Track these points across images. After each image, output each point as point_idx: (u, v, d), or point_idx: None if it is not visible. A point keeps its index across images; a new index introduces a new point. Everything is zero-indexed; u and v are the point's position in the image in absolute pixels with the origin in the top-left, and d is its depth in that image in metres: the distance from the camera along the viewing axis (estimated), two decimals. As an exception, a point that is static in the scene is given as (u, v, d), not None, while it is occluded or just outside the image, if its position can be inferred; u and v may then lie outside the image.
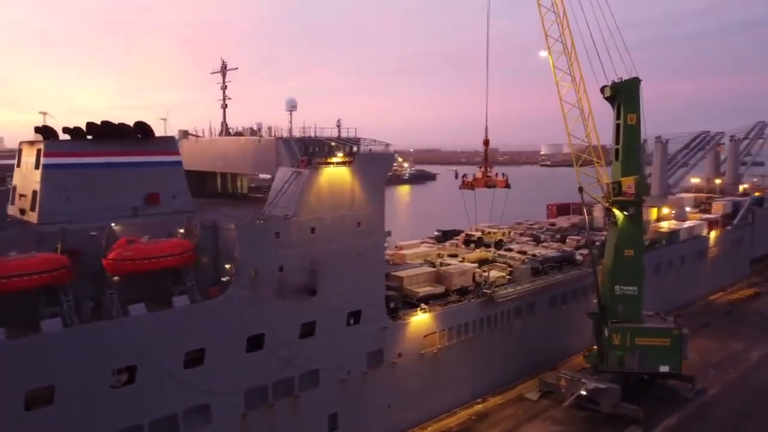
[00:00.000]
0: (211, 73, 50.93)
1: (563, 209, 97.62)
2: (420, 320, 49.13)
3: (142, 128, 41.13)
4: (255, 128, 49.46)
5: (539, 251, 66.79)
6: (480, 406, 53.73)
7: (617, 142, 55.34)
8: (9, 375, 29.70)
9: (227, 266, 38.97)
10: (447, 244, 72.65)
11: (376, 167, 46.47)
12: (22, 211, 38.98)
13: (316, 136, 46.58)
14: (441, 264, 59.27)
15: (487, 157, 58.21)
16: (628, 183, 54.72)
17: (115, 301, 33.58)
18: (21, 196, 39.72)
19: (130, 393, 33.82)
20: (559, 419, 51.43)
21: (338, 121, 47.17)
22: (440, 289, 53.27)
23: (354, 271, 44.18)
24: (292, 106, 47.29)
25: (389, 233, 49.21)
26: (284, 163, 43.97)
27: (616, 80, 54.60)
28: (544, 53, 54.09)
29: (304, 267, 41.32)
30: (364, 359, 45.69)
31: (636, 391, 53.87)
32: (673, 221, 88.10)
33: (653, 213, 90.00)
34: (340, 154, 44.32)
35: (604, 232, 66.12)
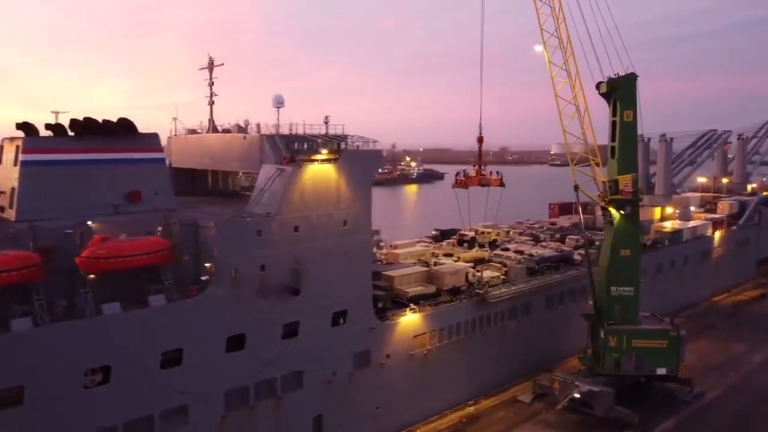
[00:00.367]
0: (200, 69, 50.41)
1: (565, 209, 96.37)
2: (409, 321, 48.24)
3: (125, 125, 40.60)
4: (242, 125, 48.80)
5: (536, 251, 65.68)
6: (472, 408, 52.76)
7: (613, 139, 54.16)
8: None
9: (207, 265, 38.32)
10: (444, 243, 71.71)
11: (363, 165, 45.61)
12: (2, 209, 38.61)
13: (305, 134, 45.88)
14: (435, 264, 58.38)
15: (481, 155, 57.22)
16: (625, 181, 53.54)
17: (89, 300, 33.01)
18: (1, 193, 39.33)
19: (104, 393, 33.22)
20: (551, 423, 50.37)
21: (326, 117, 46.53)
22: (431, 289, 52.36)
23: (339, 271, 43.36)
24: (279, 103, 46.55)
25: (377, 232, 48.44)
26: (268, 161, 43.28)
27: (612, 76, 53.43)
28: (539, 48, 53.05)
29: (287, 266, 40.54)
30: (351, 360, 44.88)
31: (632, 395, 52.70)
32: (677, 221, 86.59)
33: (656, 212, 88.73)
34: (325, 151, 43.53)
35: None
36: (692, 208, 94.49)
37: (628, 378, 53.58)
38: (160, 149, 42.48)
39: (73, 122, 39.59)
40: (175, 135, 53.02)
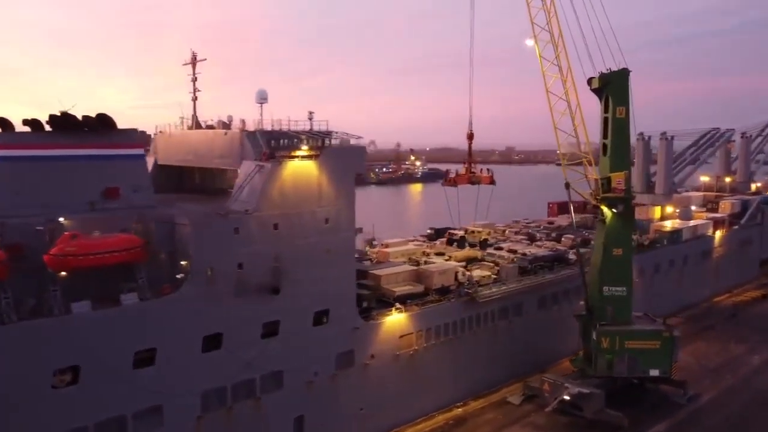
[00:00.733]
0: (183, 65, 49.60)
1: (565, 208, 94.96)
2: (395, 320, 47.41)
3: (104, 120, 39.86)
4: (226, 121, 47.97)
5: (530, 250, 64.56)
6: (460, 410, 51.85)
7: (605, 136, 53.13)
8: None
9: (183, 263, 37.58)
10: (438, 242, 70.71)
11: (346, 161, 44.78)
12: None
13: (288, 130, 45.00)
14: (425, 262, 57.43)
15: (471, 152, 56.26)
16: (618, 179, 52.53)
17: (58, 298, 32.33)
18: None
19: (73, 394, 32.57)
20: (540, 425, 49.38)
21: (310, 113, 45.56)
22: (420, 289, 51.44)
23: (321, 269, 42.55)
24: (262, 98, 45.66)
25: (360, 230, 47.51)
26: (249, 157, 42.50)
27: (604, 71, 52.36)
28: (530, 42, 52.10)
29: (266, 264, 39.76)
30: (333, 360, 44.11)
31: (625, 397, 51.63)
32: (677, 220, 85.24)
33: (657, 212, 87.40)
34: (305, 147, 42.70)
35: None
36: (693, 208, 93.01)
37: (620, 380, 52.51)
38: (140, 145, 41.71)
39: (51, 118, 38.92)
40: (160, 132, 52.27)
